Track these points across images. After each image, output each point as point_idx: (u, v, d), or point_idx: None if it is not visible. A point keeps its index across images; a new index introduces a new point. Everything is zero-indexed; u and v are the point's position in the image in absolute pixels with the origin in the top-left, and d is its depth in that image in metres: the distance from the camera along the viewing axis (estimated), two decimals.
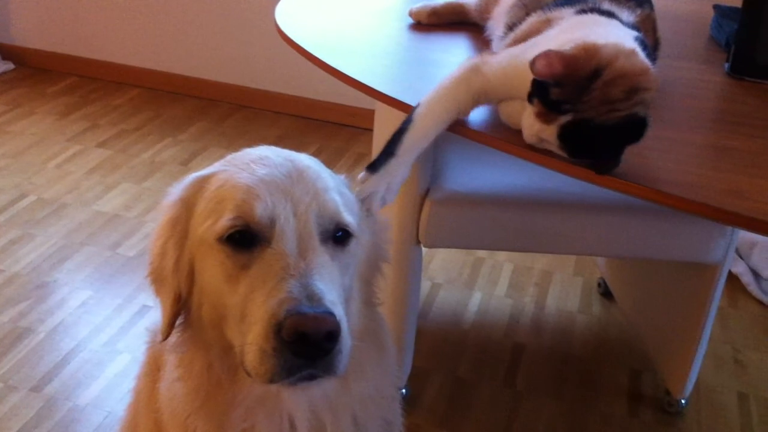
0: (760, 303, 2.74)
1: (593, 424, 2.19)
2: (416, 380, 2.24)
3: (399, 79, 1.71)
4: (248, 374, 0.97)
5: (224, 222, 1.00)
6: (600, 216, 1.91)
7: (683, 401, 2.20)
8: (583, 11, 1.40)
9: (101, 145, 3.50)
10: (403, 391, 2.14)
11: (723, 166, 1.35)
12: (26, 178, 3.17)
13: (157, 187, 3.13)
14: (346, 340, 0.96)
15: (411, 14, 1.93)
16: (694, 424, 2.21)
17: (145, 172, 3.30)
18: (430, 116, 1.39)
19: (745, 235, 2.74)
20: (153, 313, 2.34)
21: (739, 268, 2.81)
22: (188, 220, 1.07)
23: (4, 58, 4.25)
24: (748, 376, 2.41)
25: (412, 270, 1.98)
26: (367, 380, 1.14)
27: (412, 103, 1.43)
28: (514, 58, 1.36)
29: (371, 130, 2.46)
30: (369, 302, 1.16)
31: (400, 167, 1.38)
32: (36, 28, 4.24)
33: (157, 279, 1.10)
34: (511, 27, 1.55)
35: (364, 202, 1.19)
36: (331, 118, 3.86)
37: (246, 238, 0.99)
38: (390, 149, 1.38)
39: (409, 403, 2.17)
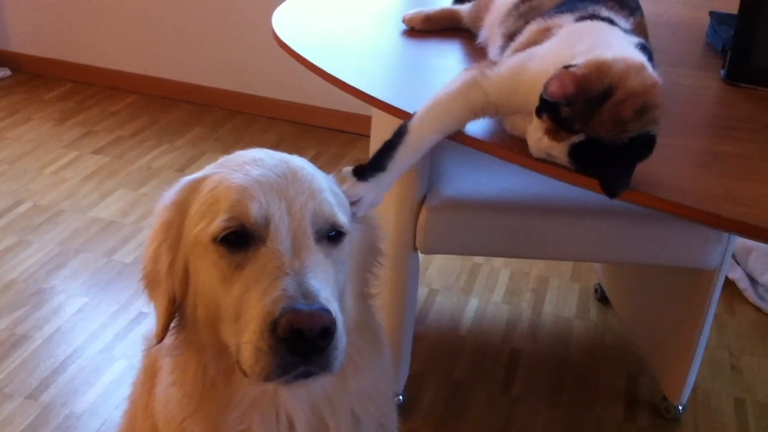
0: (757, 308, 2.74)
1: (590, 429, 2.19)
2: (413, 385, 2.23)
3: (394, 84, 1.71)
4: (244, 374, 0.97)
5: (219, 223, 1.00)
6: (597, 221, 1.91)
7: (680, 407, 2.20)
8: (583, 18, 1.39)
9: (98, 151, 3.50)
10: (400, 397, 2.14)
11: (718, 171, 1.35)
12: (22, 184, 3.17)
13: (153, 193, 3.13)
14: (342, 337, 0.96)
15: (405, 20, 1.93)
16: (691, 429, 2.21)
17: (141, 178, 3.30)
18: (426, 130, 1.36)
19: (741, 241, 2.74)
20: (149, 319, 2.34)
21: (736, 274, 2.82)
22: (182, 223, 1.07)
23: (0, 65, 4.25)
24: (745, 382, 2.41)
25: (409, 276, 1.98)
26: (365, 376, 1.15)
27: (408, 110, 1.43)
28: (514, 70, 1.34)
29: (368, 135, 2.46)
30: (363, 296, 1.17)
31: (389, 180, 1.36)
32: (32, 35, 4.24)
33: (150, 283, 1.10)
34: (510, 36, 1.53)
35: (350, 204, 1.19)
36: (327, 123, 3.86)
37: (240, 238, 0.99)
38: (381, 162, 1.35)
39: (406, 407, 2.17)
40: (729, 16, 1.91)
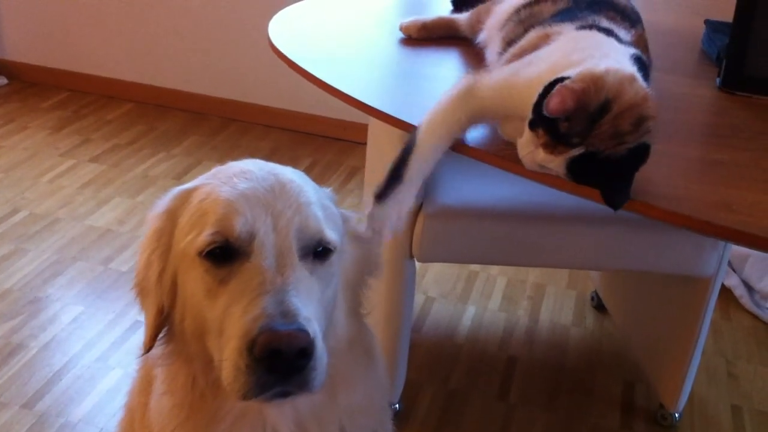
0: (753, 316, 2.74)
1: None
2: (409, 393, 2.23)
3: (391, 93, 1.72)
4: (226, 389, 0.97)
5: (204, 237, 0.99)
6: (593, 229, 1.91)
7: (677, 414, 2.20)
8: (583, 27, 1.40)
9: (94, 159, 3.49)
10: (396, 406, 2.14)
11: (712, 179, 1.35)
12: (19, 192, 3.17)
13: (150, 201, 3.10)
14: (322, 357, 0.95)
15: (401, 28, 1.93)
16: None
17: (138, 186, 3.29)
18: (434, 138, 1.38)
19: (737, 248, 2.74)
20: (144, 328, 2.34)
21: (732, 281, 2.82)
22: (172, 232, 1.07)
23: None
24: (742, 389, 2.41)
25: (405, 284, 1.98)
26: (355, 391, 1.14)
27: (405, 119, 1.43)
28: (509, 76, 1.35)
29: (364, 143, 2.46)
30: (356, 312, 1.16)
31: (408, 192, 1.38)
32: (28, 43, 4.24)
33: (142, 291, 1.11)
34: (509, 43, 1.54)
35: (374, 231, 1.19)
36: (323, 131, 3.86)
37: (226, 253, 0.99)
38: (396, 174, 1.37)
39: (403, 416, 2.16)
40: (724, 24, 1.92)
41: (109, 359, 2.31)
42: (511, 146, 1.34)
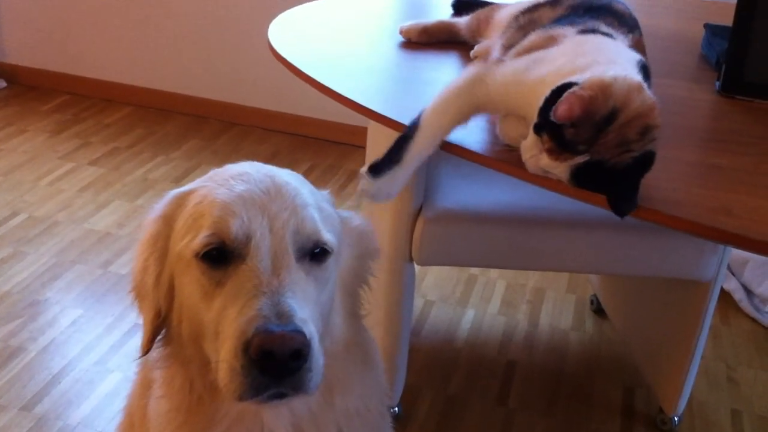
0: (753, 320, 2.74)
1: None
2: (409, 398, 2.23)
3: (391, 96, 1.71)
4: (222, 391, 0.97)
5: (200, 239, 0.99)
6: (592, 233, 1.91)
7: (676, 418, 2.19)
8: (585, 32, 1.40)
9: (93, 162, 3.49)
10: (395, 409, 2.13)
11: (712, 183, 1.35)
12: (18, 195, 3.16)
13: (149, 205, 3.07)
14: (317, 358, 0.95)
15: (402, 32, 1.93)
16: None
17: (137, 190, 3.29)
18: (437, 124, 1.39)
19: (737, 252, 2.74)
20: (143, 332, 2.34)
21: (732, 285, 2.82)
22: (168, 236, 1.07)
23: None
24: (742, 393, 2.40)
25: (404, 287, 1.98)
26: (352, 394, 1.14)
27: (404, 122, 1.43)
28: (517, 72, 1.34)
29: (364, 147, 2.46)
30: (354, 314, 1.16)
31: (404, 174, 1.39)
32: (28, 46, 4.24)
33: (139, 295, 1.11)
34: (509, 48, 1.54)
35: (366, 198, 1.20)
36: (323, 135, 3.86)
37: (222, 255, 0.99)
38: (395, 156, 1.38)
39: (402, 420, 2.16)
40: (724, 28, 1.92)
41: (108, 362, 2.31)
42: (512, 149, 1.34)
